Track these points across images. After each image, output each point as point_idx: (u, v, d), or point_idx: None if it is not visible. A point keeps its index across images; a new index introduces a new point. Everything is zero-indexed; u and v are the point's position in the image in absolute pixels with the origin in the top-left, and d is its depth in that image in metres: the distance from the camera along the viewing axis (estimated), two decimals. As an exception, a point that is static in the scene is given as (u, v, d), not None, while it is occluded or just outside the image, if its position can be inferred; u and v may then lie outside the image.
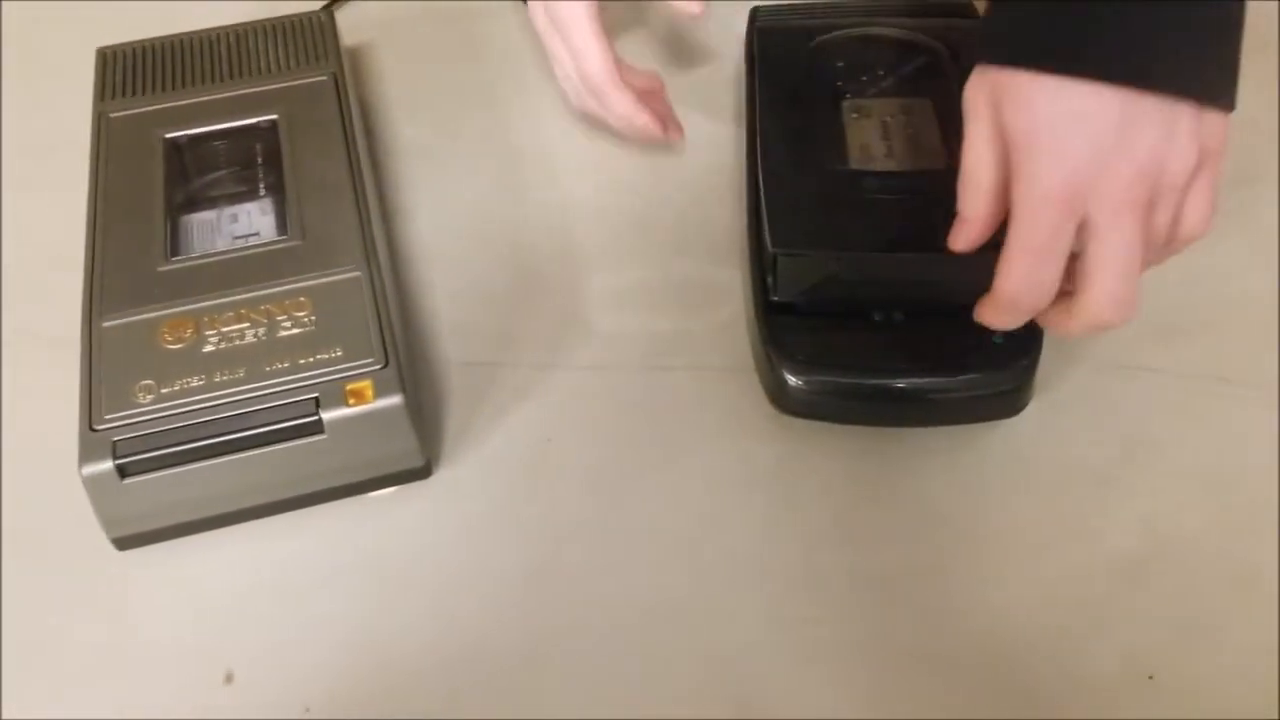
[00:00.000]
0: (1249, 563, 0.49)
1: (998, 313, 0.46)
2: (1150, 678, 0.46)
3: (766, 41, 0.62)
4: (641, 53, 0.70)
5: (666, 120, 0.62)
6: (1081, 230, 0.43)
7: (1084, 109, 0.42)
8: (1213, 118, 0.44)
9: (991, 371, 0.51)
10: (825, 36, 0.61)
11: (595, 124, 0.64)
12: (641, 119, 0.60)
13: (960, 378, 0.51)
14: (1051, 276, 0.44)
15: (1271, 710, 0.45)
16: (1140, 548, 0.49)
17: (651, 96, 0.62)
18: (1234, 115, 0.65)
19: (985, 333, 0.49)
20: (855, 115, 0.57)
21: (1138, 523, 0.50)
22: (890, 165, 0.55)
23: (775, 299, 0.52)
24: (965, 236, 0.46)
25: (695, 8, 0.60)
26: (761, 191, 0.54)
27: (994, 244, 0.45)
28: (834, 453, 0.52)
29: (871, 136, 0.56)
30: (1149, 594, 0.48)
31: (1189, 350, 0.55)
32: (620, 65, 0.59)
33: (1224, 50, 0.44)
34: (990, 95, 0.44)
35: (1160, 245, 0.45)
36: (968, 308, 0.47)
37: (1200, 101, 0.43)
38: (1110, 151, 0.42)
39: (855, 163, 0.55)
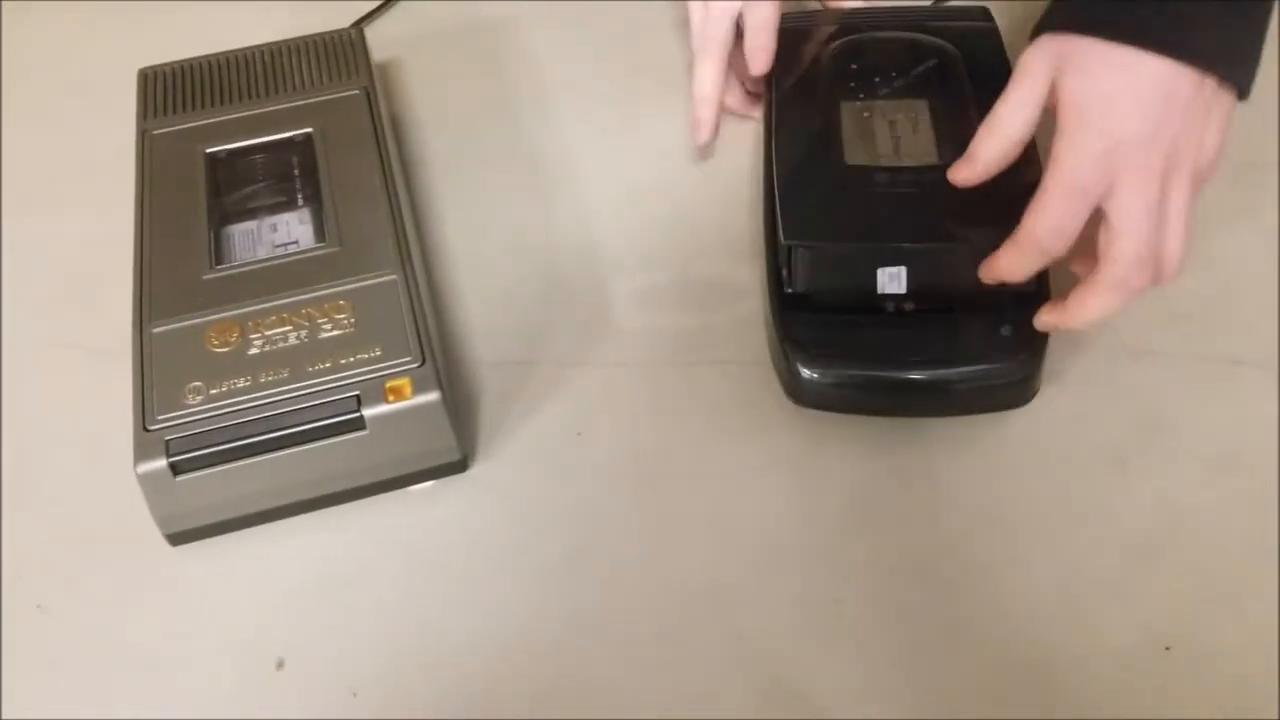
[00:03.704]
0: (1261, 537, 0.50)
1: (1019, 255, 0.49)
2: (1167, 648, 0.47)
3: (784, 44, 0.64)
4: (659, 54, 0.72)
5: (710, 126, 0.64)
6: (1107, 199, 0.48)
7: (1138, 79, 0.47)
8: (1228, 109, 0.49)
9: (1001, 362, 0.52)
10: (840, 40, 0.63)
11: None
12: (699, 110, 0.64)
13: (969, 369, 0.52)
14: (1075, 225, 0.48)
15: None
16: (1155, 525, 0.51)
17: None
18: (1240, 106, 0.67)
19: (994, 324, 0.51)
20: (867, 115, 0.59)
21: (1152, 501, 0.51)
22: (898, 161, 0.56)
23: (790, 291, 0.54)
24: (970, 173, 0.52)
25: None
26: (775, 186, 0.56)
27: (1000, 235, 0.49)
28: (853, 441, 0.54)
29: (881, 134, 0.58)
30: (1165, 569, 0.49)
31: (1198, 333, 0.56)
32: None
33: (1258, 45, 0.49)
34: (1053, 61, 0.49)
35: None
36: (976, 299, 0.50)
37: (1238, 92, 0.49)
38: (1156, 121, 0.47)
39: (865, 158, 0.56)
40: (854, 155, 0.57)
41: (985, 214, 0.51)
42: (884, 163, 0.56)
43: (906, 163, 0.56)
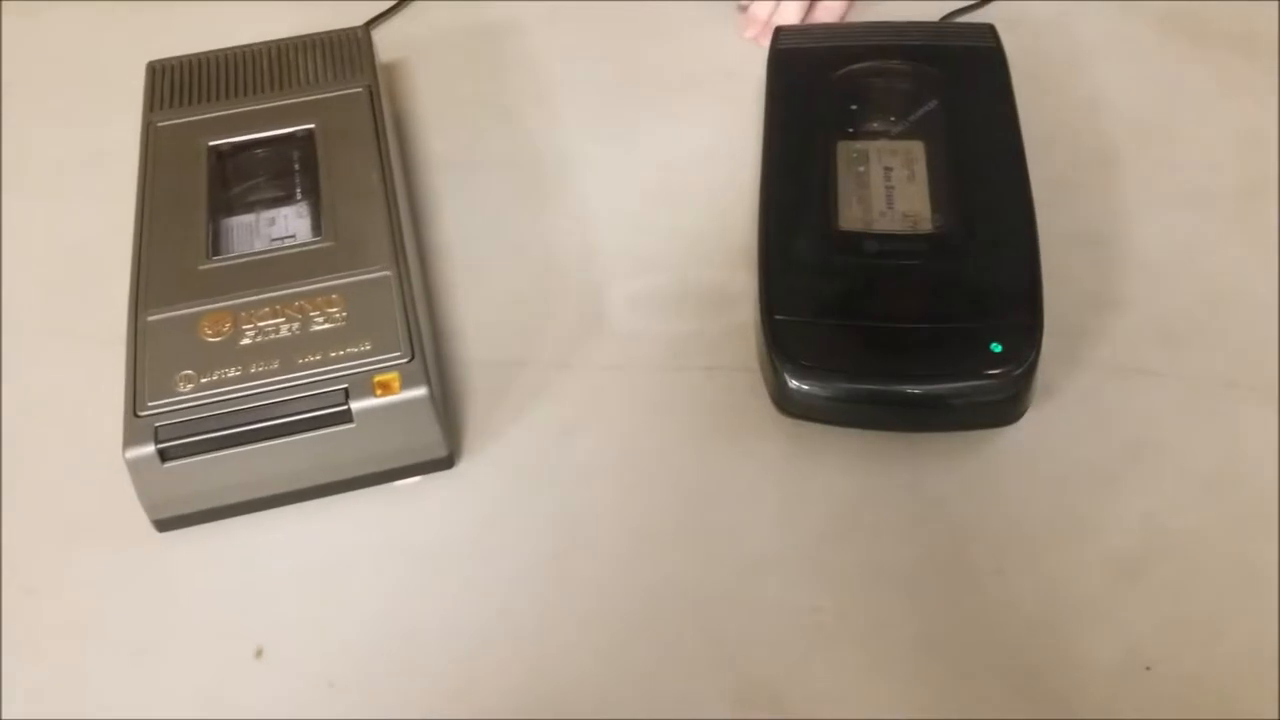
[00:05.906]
0: (1249, 560, 0.50)
1: None
2: (1147, 669, 0.47)
3: (785, 66, 0.64)
4: (664, 61, 0.72)
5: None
6: None
7: None
8: None
9: (990, 378, 0.51)
10: (842, 71, 0.63)
11: None
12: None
13: (959, 385, 0.52)
14: None
15: (1271, 702, 0.46)
16: (1141, 545, 0.50)
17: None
18: (1238, 126, 0.67)
19: (984, 340, 0.51)
20: (862, 170, 0.58)
21: (1139, 521, 0.51)
22: (891, 226, 0.56)
23: (779, 318, 0.54)
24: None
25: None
26: (764, 252, 0.56)
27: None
28: (841, 451, 0.54)
29: (876, 189, 0.58)
30: (1149, 590, 0.49)
31: (1191, 353, 0.56)
32: None
33: None
34: None
35: None
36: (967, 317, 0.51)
37: None
38: None
39: (855, 223, 0.56)
40: (840, 220, 0.56)
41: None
42: (875, 228, 0.56)
43: (897, 229, 0.56)
